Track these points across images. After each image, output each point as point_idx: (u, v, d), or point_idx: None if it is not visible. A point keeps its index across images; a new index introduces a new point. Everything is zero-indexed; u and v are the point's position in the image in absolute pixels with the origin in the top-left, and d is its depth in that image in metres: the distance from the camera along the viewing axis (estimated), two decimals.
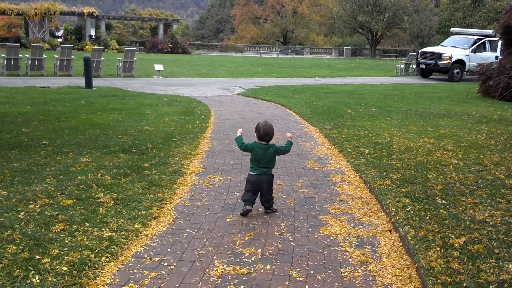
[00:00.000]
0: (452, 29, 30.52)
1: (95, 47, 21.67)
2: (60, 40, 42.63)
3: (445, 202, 5.20)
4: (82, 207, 4.81)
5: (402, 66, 28.60)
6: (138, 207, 4.90)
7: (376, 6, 51.30)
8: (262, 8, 66.02)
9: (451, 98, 16.23)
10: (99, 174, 5.90)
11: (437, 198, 5.32)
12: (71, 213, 4.65)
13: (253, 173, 5.00)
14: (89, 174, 5.90)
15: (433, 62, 24.65)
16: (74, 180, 5.66)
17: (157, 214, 4.75)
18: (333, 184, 6.09)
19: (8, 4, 39.50)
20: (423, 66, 25.55)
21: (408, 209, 5.00)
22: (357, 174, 6.52)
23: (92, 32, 43.39)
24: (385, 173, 6.29)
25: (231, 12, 72.44)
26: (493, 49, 25.18)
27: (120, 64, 20.59)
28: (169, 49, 43.42)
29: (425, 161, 6.96)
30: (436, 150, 7.72)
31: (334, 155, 7.70)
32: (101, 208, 4.80)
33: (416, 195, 5.40)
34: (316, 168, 6.81)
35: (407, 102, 14.47)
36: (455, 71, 24.55)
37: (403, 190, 5.59)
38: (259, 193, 5.02)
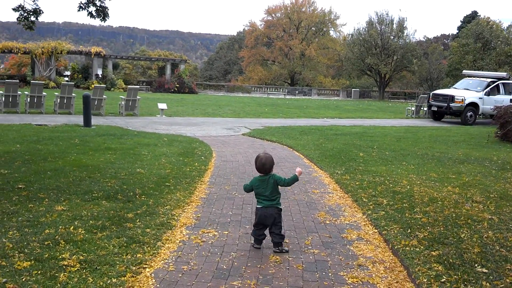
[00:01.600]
0: (464, 71, 29.89)
1: (97, 85, 21.11)
2: (66, 79, 42.48)
3: (487, 270, 4.24)
4: (39, 272, 3.89)
5: (413, 108, 27.84)
6: (109, 272, 3.97)
7: (384, 49, 51.12)
8: (270, 50, 66.23)
9: (467, 142, 15.32)
10: (72, 227, 5.00)
11: (476, 265, 4.36)
12: (23, 280, 3.73)
13: (259, 206, 4.90)
14: (60, 227, 4.99)
15: (446, 104, 23.84)
16: (40, 234, 4.76)
17: (130, 284, 3.81)
18: (349, 243, 5.14)
19: (16, 43, 39.52)
20: (435, 109, 24.75)
21: (443, 280, 4.05)
22: (376, 230, 5.57)
23: (99, 72, 43.25)
24: (409, 230, 5.35)
25: (239, 54, 72.75)
26: (507, 92, 24.44)
27: (123, 102, 19.99)
28: (176, 89, 43.06)
29: (454, 215, 6.01)
30: (463, 202, 6.78)
31: (348, 205, 6.77)
32: (62, 274, 3.87)
33: (450, 260, 4.44)
34: (327, 222, 5.88)
35: (422, 146, 13.57)
36: (468, 114, 23.70)
37: (433, 253, 4.64)
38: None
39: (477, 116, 24.25)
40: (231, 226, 5.48)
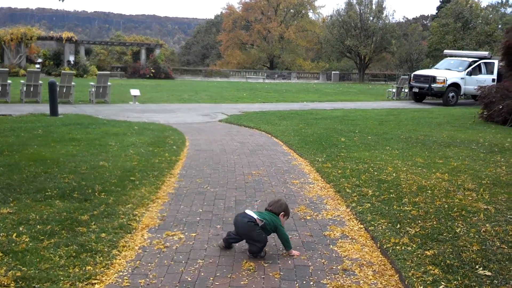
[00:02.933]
0: (445, 51, 29.51)
1: (65, 71, 20.16)
2: (38, 66, 41.09)
3: (490, 273, 3.71)
4: None
5: (394, 90, 27.39)
6: None
7: (363, 30, 50.59)
8: (249, 33, 65.13)
9: (451, 123, 14.90)
10: (15, 234, 4.33)
11: (477, 266, 3.83)
12: None
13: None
14: (1, 234, 4.33)
15: (427, 85, 23.43)
16: None
17: None
18: (332, 242, 4.57)
19: None
20: (416, 90, 24.35)
21: (441, 286, 3.50)
22: (362, 226, 5.02)
23: (71, 58, 41.90)
24: (399, 226, 4.80)
25: (217, 38, 71.54)
26: (489, 72, 24.11)
27: (93, 89, 19.14)
28: (152, 75, 41.97)
29: (446, 206, 5.49)
30: (455, 190, 6.26)
31: (330, 197, 6.21)
32: None
33: (448, 261, 3.90)
34: (308, 217, 5.30)
35: (405, 129, 13.09)
36: (450, 94, 23.35)
37: (427, 252, 4.09)
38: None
39: (459, 96, 23.93)
40: (200, 227, 4.86)
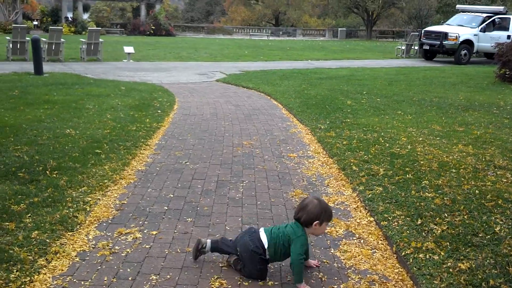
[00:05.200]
0: (458, 6, 27.80)
1: (53, 27, 18.85)
2: (36, 23, 39.62)
3: None
4: None
5: (403, 47, 25.92)
6: None
7: None
8: None
9: (466, 84, 13.68)
10: None
11: None
12: None
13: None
14: None
15: (438, 42, 22.06)
16: None
17: None
18: (333, 244, 3.53)
19: None
20: (427, 47, 22.97)
21: None
22: (372, 219, 3.97)
23: (69, 14, 40.33)
24: (420, 221, 3.74)
25: None
26: (504, 28, 22.60)
27: (84, 46, 17.90)
28: (152, 32, 40.37)
29: (477, 191, 4.41)
30: (484, 169, 5.18)
31: (333, 176, 5.14)
32: None
33: (491, 281, 2.85)
34: None
35: (417, 90, 11.92)
36: (463, 52, 21.99)
37: (461, 265, 3.05)
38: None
39: (472, 54, 22.57)
40: (166, 220, 3.82)
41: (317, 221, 2.98)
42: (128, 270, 3.01)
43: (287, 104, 9.50)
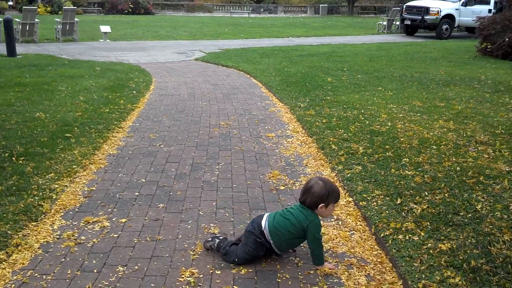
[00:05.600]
0: None
1: (27, 7, 18.29)
2: (10, 3, 38.50)
3: None
4: None
5: (385, 23, 25.79)
6: None
7: None
8: None
9: (447, 58, 13.60)
10: None
11: None
12: None
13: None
14: None
15: (420, 17, 21.92)
16: None
17: None
18: None
19: None
20: (408, 22, 22.84)
21: None
22: (351, 199, 3.85)
23: None
24: (399, 200, 3.63)
25: None
26: (485, 2, 22.52)
27: (59, 26, 17.41)
28: (130, 10, 39.58)
29: (458, 168, 4.31)
30: (465, 145, 5.08)
31: (312, 155, 5.01)
32: None
33: (472, 262, 2.75)
34: (282, 187, 4.11)
35: (398, 65, 11.80)
36: (444, 27, 21.89)
37: (442, 246, 2.94)
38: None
39: (453, 29, 22.50)
40: (136, 207, 3.65)
41: (322, 204, 2.83)
42: (94, 261, 2.85)
43: (266, 83, 9.32)
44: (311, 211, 2.85)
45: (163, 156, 4.84)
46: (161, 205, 3.67)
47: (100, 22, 25.32)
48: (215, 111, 7.06)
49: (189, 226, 3.31)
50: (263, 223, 2.88)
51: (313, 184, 2.85)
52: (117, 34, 20.22)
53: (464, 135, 5.43)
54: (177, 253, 2.96)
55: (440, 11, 21.58)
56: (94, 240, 3.11)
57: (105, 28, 18.36)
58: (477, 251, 2.86)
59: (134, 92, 8.19)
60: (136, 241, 3.11)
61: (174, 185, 4.08)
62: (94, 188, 3.96)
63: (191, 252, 2.97)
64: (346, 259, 2.97)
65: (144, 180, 4.18)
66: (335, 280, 2.74)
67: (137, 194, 3.88)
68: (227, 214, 3.54)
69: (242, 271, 2.81)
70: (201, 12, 48.20)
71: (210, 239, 2.98)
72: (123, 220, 3.40)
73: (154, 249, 3.01)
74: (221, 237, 2.97)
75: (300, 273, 2.82)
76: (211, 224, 3.36)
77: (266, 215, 2.95)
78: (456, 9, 22.10)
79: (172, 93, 8.38)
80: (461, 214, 3.37)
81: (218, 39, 19.97)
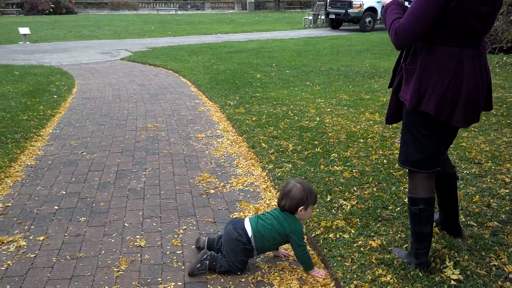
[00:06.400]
0: None
1: None
2: None
3: (461, 277, 2.61)
4: None
5: (310, 17, 26.18)
6: None
7: None
8: None
9: (371, 51, 13.97)
10: None
11: (445, 264, 2.72)
12: None
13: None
14: None
15: (344, 11, 22.42)
16: None
17: None
18: None
19: None
20: (333, 16, 23.30)
21: None
22: None
23: None
24: (329, 198, 3.61)
25: None
26: None
27: None
28: (51, 10, 37.95)
29: (385, 161, 4.38)
30: (391, 136, 5.18)
31: (242, 155, 4.93)
32: None
33: (401, 260, 2.76)
34: (212, 191, 3.99)
35: (324, 59, 11.97)
36: (367, 20, 22.51)
37: (372, 243, 2.94)
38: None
39: (376, 21, 23.18)
40: (56, 221, 3.41)
41: (302, 207, 2.76)
42: (8, 287, 2.62)
43: (195, 81, 9.15)
44: (293, 216, 2.79)
45: (86, 165, 4.59)
46: (82, 218, 3.45)
47: (19, 24, 24.11)
48: (142, 113, 6.83)
49: (113, 240, 3.13)
50: (248, 229, 2.78)
51: (291, 187, 2.79)
52: (37, 35, 19.30)
53: (390, 127, 5.54)
54: (100, 271, 2.78)
55: (363, 5, 22.14)
56: (9, 262, 2.87)
57: (24, 30, 17.47)
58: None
59: (55, 96, 7.78)
60: (55, 260, 2.89)
61: (97, 195, 3.86)
62: (9, 204, 3.68)
63: (114, 269, 2.80)
64: (278, 263, 2.91)
65: (64, 192, 3.93)
66: (267, 287, 2.66)
67: (57, 208, 3.63)
68: (154, 224, 3.38)
69: (178, 282, 2.68)
70: (126, 10, 47.02)
71: (199, 264, 2.79)
72: (41, 238, 3.16)
73: (75, 268, 2.81)
74: (208, 257, 2.81)
75: (231, 282, 2.72)
76: (137, 236, 3.19)
77: (246, 220, 2.86)
78: (378, 2, 22.71)
79: (96, 96, 8.04)
80: (390, 208, 3.41)
81: (145, 37, 19.51)
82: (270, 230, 2.76)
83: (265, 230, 2.77)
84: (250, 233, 2.76)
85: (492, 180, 3.87)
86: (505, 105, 6.52)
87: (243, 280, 2.73)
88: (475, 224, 3.14)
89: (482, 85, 2.41)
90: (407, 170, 2.76)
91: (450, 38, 2.31)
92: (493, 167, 4.16)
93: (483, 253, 2.77)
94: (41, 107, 6.92)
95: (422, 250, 2.60)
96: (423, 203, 2.54)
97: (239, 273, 2.77)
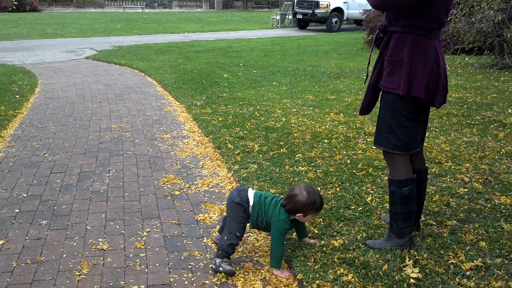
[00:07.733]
0: None
1: None
2: None
3: (420, 275, 2.68)
4: None
5: (278, 17, 26.30)
6: None
7: None
8: None
9: (337, 51, 14.16)
10: None
11: (405, 263, 2.79)
12: None
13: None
14: None
15: (311, 11, 22.60)
16: None
17: None
18: (206, 233, 3.32)
19: None
20: (300, 16, 23.46)
21: None
22: None
23: None
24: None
25: None
26: None
27: None
28: (14, 7, 36.99)
29: (349, 161, 4.45)
30: (355, 137, 5.27)
31: (208, 155, 4.93)
32: None
33: (361, 258, 2.81)
34: (177, 193, 3.98)
35: (291, 60, 12.07)
36: (334, 20, 22.75)
37: (335, 242, 2.98)
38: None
39: (342, 22, 23.46)
40: (16, 225, 3.35)
41: (300, 214, 2.84)
42: None
43: (162, 81, 9.09)
44: (288, 215, 2.85)
45: (48, 166, 4.51)
46: (44, 221, 3.40)
47: None
48: (107, 113, 6.75)
49: (74, 243, 3.09)
50: (250, 199, 2.90)
51: (297, 193, 2.83)
52: None
53: (354, 127, 5.63)
54: (61, 275, 2.74)
55: (329, 5, 22.37)
56: None
57: None
58: (364, 247, 2.93)
59: (17, 96, 7.61)
60: (15, 265, 2.84)
61: (59, 198, 3.80)
62: None
63: (76, 273, 2.77)
64: (242, 263, 2.93)
65: (25, 195, 3.85)
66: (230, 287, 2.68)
67: (17, 211, 3.56)
68: (117, 227, 3.35)
69: (141, 285, 2.66)
70: (92, 7, 46.28)
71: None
72: (1, 242, 3.09)
73: (36, 272, 2.77)
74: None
75: (195, 284, 2.72)
76: (100, 239, 3.16)
77: (250, 190, 2.97)
78: (344, 2, 23.01)
79: (59, 96, 7.90)
80: (352, 207, 3.47)
81: (110, 36, 19.23)
82: (265, 212, 2.87)
83: (262, 209, 2.88)
84: (251, 203, 2.89)
85: (451, 180, 3.98)
86: (465, 106, 6.70)
87: (207, 282, 2.74)
88: (434, 223, 3.23)
89: (446, 70, 2.74)
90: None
91: (429, 30, 2.62)
92: (452, 167, 4.28)
93: (442, 252, 2.85)
94: (2, 107, 6.76)
95: (408, 228, 2.83)
96: (411, 183, 2.79)
97: (240, 236, 2.87)
